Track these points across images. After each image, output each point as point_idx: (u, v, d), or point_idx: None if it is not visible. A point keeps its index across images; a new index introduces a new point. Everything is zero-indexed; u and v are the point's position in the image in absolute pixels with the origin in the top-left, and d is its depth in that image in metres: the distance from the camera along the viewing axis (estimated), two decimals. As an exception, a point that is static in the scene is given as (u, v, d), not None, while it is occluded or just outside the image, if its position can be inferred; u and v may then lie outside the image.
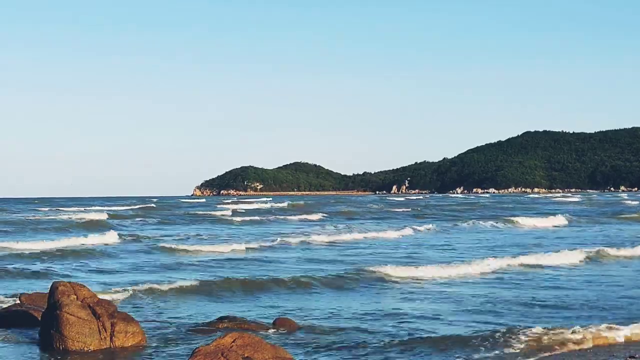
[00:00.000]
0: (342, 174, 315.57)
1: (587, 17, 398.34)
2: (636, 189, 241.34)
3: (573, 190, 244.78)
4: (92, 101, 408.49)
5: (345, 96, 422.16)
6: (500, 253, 26.86)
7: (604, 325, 12.32)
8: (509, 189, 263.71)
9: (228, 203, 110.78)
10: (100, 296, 13.18)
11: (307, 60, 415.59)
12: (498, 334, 12.17)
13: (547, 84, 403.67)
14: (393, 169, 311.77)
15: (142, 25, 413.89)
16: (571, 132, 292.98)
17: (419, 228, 42.15)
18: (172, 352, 11.51)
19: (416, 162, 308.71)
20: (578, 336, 11.85)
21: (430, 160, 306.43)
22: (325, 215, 65.34)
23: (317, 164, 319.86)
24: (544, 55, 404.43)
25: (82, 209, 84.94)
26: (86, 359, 11.26)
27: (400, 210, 79.93)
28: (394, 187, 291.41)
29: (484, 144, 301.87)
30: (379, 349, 11.59)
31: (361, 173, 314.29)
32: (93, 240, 34.09)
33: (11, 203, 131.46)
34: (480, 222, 48.13)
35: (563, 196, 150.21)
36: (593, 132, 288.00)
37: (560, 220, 49.95)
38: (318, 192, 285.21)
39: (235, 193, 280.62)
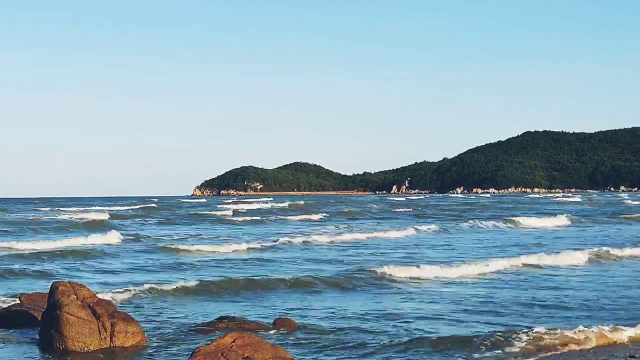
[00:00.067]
0: (342, 174, 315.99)
1: (587, 17, 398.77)
2: (636, 189, 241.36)
3: (573, 190, 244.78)
4: (92, 101, 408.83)
5: (345, 96, 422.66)
6: (502, 253, 26.86)
7: (607, 327, 12.31)
8: (509, 189, 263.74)
9: (228, 203, 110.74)
10: (101, 296, 13.18)
11: (307, 60, 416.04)
12: (498, 334, 12.17)
13: (547, 84, 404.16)
14: (393, 169, 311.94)
15: (142, 25, 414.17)
16: (571, 132, 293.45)
17: (421, 228, 42.08)
18: (172, 352, 11.51)
19: (416, 162, 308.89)
20: (578, 336, 11.84)
21: (430, 160, 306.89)
22: (326, 215, 65.30)
23: (317, 164, 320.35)
24: (544, 55, 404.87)
25: (82, 208, 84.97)
26: (86, 359, 11.26)
27: (402, 210, 79.90)
28: (394, 187, 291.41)
29: (484, 144, 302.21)
30: (379, 349, 11.59)
31: (361, 173, 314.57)
32: (95, 240, 34.10)
33: (11, 203, 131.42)
34: (482, 222, 47.98)
35: (564, 196, 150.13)
36: (593, 132, 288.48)
37: (562, 220, 49.78)
38: (318, 192, 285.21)
39: (235, 193, 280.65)
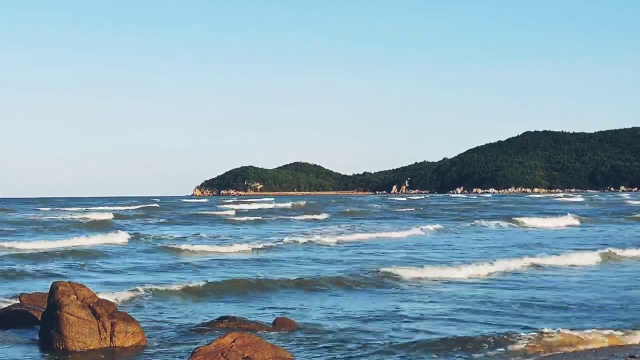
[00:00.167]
0: (342, 174, 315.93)
1: (587, 17, 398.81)
2: (636, 189, 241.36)
3: (573, 190, 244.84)
4: (92, 101, 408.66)
5: (345, 96, 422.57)
6: (506, 254, 26.73)
7: (607, 330, 12.31)
8: (509, 189, 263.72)
9: (230, 203, 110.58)
10: (102, 296, 13.18)
11: (307, 60, 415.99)
12: (500, 334, 12.17)
13: (547, 84, 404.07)
14: (393, 169, 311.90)
15: (142, 25, 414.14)
16: (571, 132, 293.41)
17: (425, 228, 41.92)
18: (172, 352, 11.50)
19: (416, 162, 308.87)
20: (579, 337, 11.85)
21: (430, 160, 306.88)
22: (329, 215, 65.15)
23: (317, 164, 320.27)
24: (544, 55, 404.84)
25: (84, 208, 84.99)
26: (86, 359, 11.25)
27: (404, 210, 79.82)
28: (394, 187, 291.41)
29: (484, 144, 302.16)
30: (379, 349, 11.58)
31: (361, 173, 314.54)
32: (99, 240, 33.99)
33: (12, 203, 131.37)
34: (486, 222, 47.68)
35: (565, 196, 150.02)
36: (593, 132, 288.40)
37: (568, 220, 49.51)
38: (318, 192, 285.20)
39: (235, 193, 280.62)
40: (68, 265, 24.17)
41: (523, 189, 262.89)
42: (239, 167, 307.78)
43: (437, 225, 43.95)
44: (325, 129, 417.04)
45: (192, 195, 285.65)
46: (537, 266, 22.62)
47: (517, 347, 11.44)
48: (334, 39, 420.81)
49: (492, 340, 11.75)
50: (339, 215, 65.80)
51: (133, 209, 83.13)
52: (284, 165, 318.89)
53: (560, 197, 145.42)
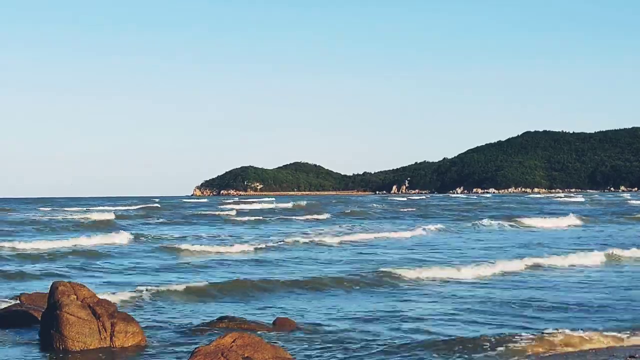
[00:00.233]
0: (342, 174, 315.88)
1: (587, 17, 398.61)
2: (636, 189, 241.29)
3: (573, 190, 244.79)
4: (92, 101, 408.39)
5: (345, 96, 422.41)
6: (508, 254, 26.68)
7: (609, 332, 12.31)
8: (509, 189, 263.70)
9: (232, 203, 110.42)
10: (102, 296, 13.17)
11: (307, 60, 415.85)
12: (502, 335, 12.17)
13: (547, 84, 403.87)
14: (393, 169, 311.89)
15: (142, 25, 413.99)
16: (571, 132, 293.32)
17: (427, 228, 41.90)
18: (172, 352, 11.50)
19: (416, 162, 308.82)
20: (580, 338, 11.85)
21: (430, 160, 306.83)
22: (330, 215, 65.04)
23: (317, 164, 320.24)
24: (544, 55, 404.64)
25: (85, 208, 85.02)
26: (86, 359, 11.25)
27: (405, 210, 79.72)
28: (394, 187, 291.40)
29: (484, 144, 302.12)
30: (380, 349, 11.57)
31: (361, 173, 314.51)
32: (101, 240, 33.89)
33: (12, 203, 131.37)
34: (487, 222, 47.50)
35: (566, 196, 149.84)
36: (593, 132, 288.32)
37: (571, 220, 49.35)
38: (318, 192, 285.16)
39: (235, 193, 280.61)
40: (69, 265, 24.19)
41: (523, 189, 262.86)
42: (239, 167, 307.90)
43: (439, 225, 43.91)
44: (325, 129, 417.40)
45: (192, 195, 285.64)
46: (539, 266, 22.58)
47: (517, 347, 11.43)
48: (334, 39, 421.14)
49: (492, 341, 11.74)
50: (340, 216, 65.72)
51: (134, 209, 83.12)
52: (284, 165, 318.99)
53: (561, 197, 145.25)
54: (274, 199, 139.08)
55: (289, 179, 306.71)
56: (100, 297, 12.85)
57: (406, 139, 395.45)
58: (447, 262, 23.42)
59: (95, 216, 57.89)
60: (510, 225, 46.78)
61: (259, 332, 12.24)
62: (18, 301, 15.11)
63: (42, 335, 12.19)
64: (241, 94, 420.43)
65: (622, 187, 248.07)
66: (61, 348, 11.57)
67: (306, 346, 11.83)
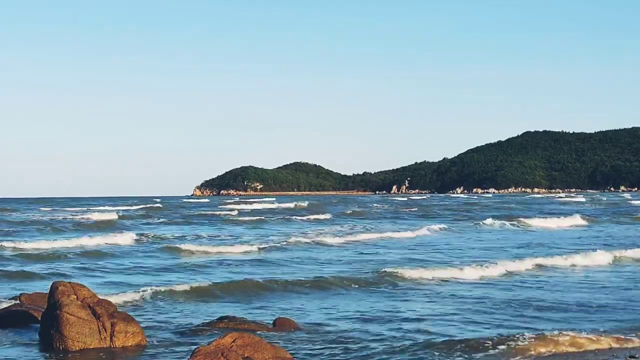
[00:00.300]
0: (342, 174, 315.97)
1: (587, 17, 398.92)
2: (636, 189, 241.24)
3: (573, 190, 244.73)
4: (92, 101, 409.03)
5: (345, 96, 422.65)
6: (511, 254, 26.62)
7: (608, 332, 12.30)
8: (509, 189, 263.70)
9: (232, 203, 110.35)
10: (102, 296, 13.17)
11: (307, 60, 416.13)
12: (501, 335, 12.16)
13: (547, 84, 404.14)
14: (393, 169, 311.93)
15: (142, 25, 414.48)
16: (571, 132, 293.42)
17: (431, 228, 41.84)
18: (172, 352, 11.49)
19: (416, 162, 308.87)
20: (580, 338, 11.85)
21: (430, 160, 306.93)
22: (332, 215, 64.90)
23: (317, 164, 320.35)
24: (544, 55, 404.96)
25: (86, 208, 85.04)
26: (86, 359, 11.24)
27: (407, 210, 79.63)
28: (394, 187, 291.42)
29: (484, 144, 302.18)
30: (380, 349, 11.56)
31: (361, 173, 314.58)
32: (104, 240, 33.80)
33: (12, 203, 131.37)
34: (490, 222, 47.27)
35: (567, 196, 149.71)
36: (593, 132, 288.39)
37: (576, 220, 49.17)
38: (318, 192, 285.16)
39: (235, 193, 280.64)
40: (71, 265, 24.21)
41: (523, 189, 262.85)
42: (239, 167, 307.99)
43: (442, 225, 43.84)
44: (325, 129, 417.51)
45: (192, 195, 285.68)
46: (541, 267, 22.49)
47: (517, 347, 11.42)
48: (334, 39, 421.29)
49: (492, 341, 11.72)
50: (342, 216, 65.64)
51: (136, 209, 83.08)
52: (284, 165, 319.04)
53: (562, 197, 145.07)
54: (274, 199, 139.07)
55: (289, 179, 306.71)
56: (101, 297, 12.84)
57: (406, 139, 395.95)
58: (449, 263, 23.39)
59: (97, 216, 57.89)
60: (513, 225, 46.62)
61: (259, 332, 12.23)
62: (18, 301, 15.10)
63: (42, 335, 12.18)
64: (241, 94, 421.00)
65: (622, 187, 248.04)
66: (61, 348, 11.56)
67: (306, 346, 11.82)
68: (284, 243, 32.05)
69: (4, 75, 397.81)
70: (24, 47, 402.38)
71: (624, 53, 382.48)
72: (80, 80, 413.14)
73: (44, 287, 16.72)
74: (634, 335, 12.25)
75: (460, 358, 11.03)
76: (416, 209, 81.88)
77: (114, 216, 58.59)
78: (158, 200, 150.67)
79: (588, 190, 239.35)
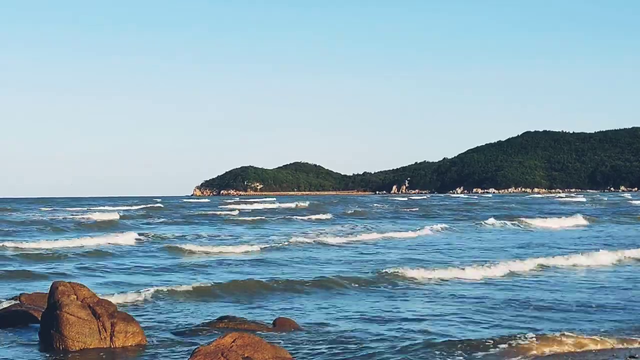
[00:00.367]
0: (342, 174, 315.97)
1: (587, 17, 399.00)
2: (636, 189, 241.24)
3: (573, 190, 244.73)
4: (92, 101, 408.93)
5: (345, 96, 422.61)
6: (513, 255, 26.53)
7: (608, 332, 12.29)
8: (509, 189, 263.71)
9: (233, 203, 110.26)
10: (103, 296, 13.16)
11: (307, 60, 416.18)
12: (502, 335, 12.15)
13: (547, 84, 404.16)
14: (393, 169, 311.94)
15: (142, 25, 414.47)
16: (571, 132, 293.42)
17: (434, 228, 41.78)
18: (172, 352, 11.48)
19: (416, 162, 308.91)
20: (581, 338, 11.84)
21: (430, 160, 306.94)
22: (333, 215, 64.83)
23: (317, 164, 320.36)
24: (544, 55, 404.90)
25: (86, 208, 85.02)
26: (86, 359, 11.23)
27: (409, 210, 79.57)
28: (394, 187, 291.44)
29: (484, 144, 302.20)
30: (380, 350, 11.54)
31: (361, 173, 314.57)
32: (106, 240, 33.72)
33: (12, 203, 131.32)
34: (493, 222, 47.22)
35: (567, 196, 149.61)
36: (593, 132, 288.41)
37: (578, 220, 49.02)
38: (318, 192, 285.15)
39: (235, 193, 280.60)
40: (72, 265, 24.20)
41: (523, 189, 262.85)
42: (239, 167, 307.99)
43: (444, 225, 43.80)
44: (325, 129, 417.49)
45: (192, 195, 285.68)
46: (542, 267, 22.43)
47: (518, 347, 11.41)
48: (334, 39, 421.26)
49: (493, 342, 11.70)
50: (343, 216, 65.58)
51: (138, 209, 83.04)
52: (284, 165, 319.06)
53: (563, 197, 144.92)
54: (275, 199, 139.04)
55: (289, 179, 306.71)
56: (101, 297, 12.84)
57: (406, 139, 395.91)
58: (450, 263, 23.37)
59: (99, 216, 57.84)
60: (515, 225, 46.55)
61: (259, 332, 12.22)
62: (18, 301, 15.09)
63: (42, 335, 12.17)
64: (241, 94, 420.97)
65: (622, 187, 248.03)
66: (61, 348, 11.56)
67: (306, 346, 11.81)
68: (285, 243, 32.00)
69: (4, 75, 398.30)
70: (24, 47, 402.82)
71: (624, 53, 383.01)
72: (80, 80, 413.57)
73: (44, 287, 16.71)
74: (634, 335, 12.24)
75: (461, 358, 11.02)
76: (417, 209, 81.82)
77: (115, 216, 58.54)
78: (159, 200, 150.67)
79: (588, 190, 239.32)
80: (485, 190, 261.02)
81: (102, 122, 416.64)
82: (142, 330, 12.11)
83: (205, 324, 13.48)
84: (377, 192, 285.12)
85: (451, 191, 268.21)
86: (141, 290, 17.12)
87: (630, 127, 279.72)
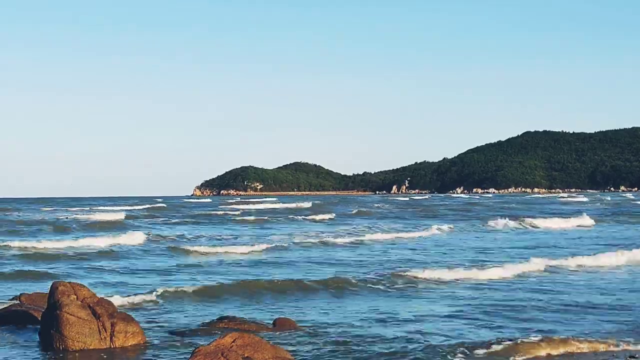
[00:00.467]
0: (342, 174, 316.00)
1: (587, 17, 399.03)
2: (636, 189, 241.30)
3: (573, 190, 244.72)
4: (92, 101, 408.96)
5: (345, 96, 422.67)
6: (519, 255, 26.44)
7: (609, 333, 12.27)
8: (509, 189, 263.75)
9: (235, 203, 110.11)
10: (102, 296, 13.14)
11: (307, 60, 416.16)
12: (502, 336, 12.14)
13: (547, 84, 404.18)
14: (393, 169, 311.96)
15: (142, 25, 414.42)
16: (571, 132, 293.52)
17: (442, 228, 41.68)
18: (172, 352, 11.47)
19: (416, 162, 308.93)
20: (582, 339, 11.84)
21: (430, 160, 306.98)
22: (336, 215, 64.62)
23: (317, 164, 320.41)
24: (544, 55, 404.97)
25: (88, 208, 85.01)
26: (86, 359, 11.22)
27: (410, 210, 79.54)
28: (394, 187, 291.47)
29: (484, 144, 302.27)
30: (380, 350, 11.52)
31: (361, 173, 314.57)
32: (111, 240, 33.58)
33: (12, 203, 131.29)
34: (496, 222, 46.90)
35: (569, 196, 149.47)
36: (593, 132, 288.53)
37: (584, 220, 48.64)
38: (318, 192, 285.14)
39: (235, 193, 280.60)
40: (72, 265, 24.22)
41: (523, 189, 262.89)
42: (239, 167, 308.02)
43: (450, 225, 43.72)
44: (325, 129, 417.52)
45: (192, 195, 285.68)
46: (548, 267, 22.27)
47: (519, 348, 11.39)
48: (334, 39, 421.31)
49: (493, 342, 11.70)
50: (346, 216, 65.42)
51: (141, 209, 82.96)
52: (284, 165, 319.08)
53: (564, 197, 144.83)
54: (276, 199, 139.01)
55: (289, 179, 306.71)
56: (102, 297, 12.82)
57: (406, 139, 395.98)
58: (453, 263, 23.33)
59: (104, 216, 57.63)
60: (520, 225, 46.31)
61: (259, 332, 12.20)
62: (18, 301, 15.08)
63: (42, 335, 12.16)
64: (241, 94, 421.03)
65: (622, 187, 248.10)
66: (61, 348, 11.54)
67: (307, 346, 11.79)
68: (289, 243, 31.96)
69: (4, 75, 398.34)
70: (24, 47, 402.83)
71: (624, 53, 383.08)
72: (80, 80, 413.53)
73: (44, 287, 16.69)
74: (634, 336, 12.23)
75: (462, 358, 11.01)
76: (419, 209, 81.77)
77: (120, 216, 58.27)
78: (160, 200, 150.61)
79: (588, 190, 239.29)
80: (486, 190, 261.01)
81: (102, 122, 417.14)
82: (142, 330, 12.10)
83: (205, 324, 13.47)
84: (377, 192, 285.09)
85: (451, 191, 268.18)
86: (142, 291, 17.11)
87: (630, 127, 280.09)
